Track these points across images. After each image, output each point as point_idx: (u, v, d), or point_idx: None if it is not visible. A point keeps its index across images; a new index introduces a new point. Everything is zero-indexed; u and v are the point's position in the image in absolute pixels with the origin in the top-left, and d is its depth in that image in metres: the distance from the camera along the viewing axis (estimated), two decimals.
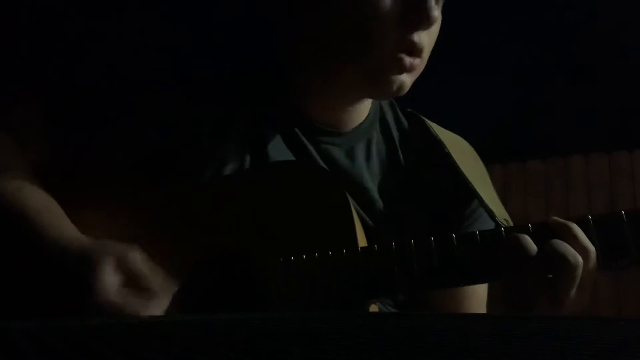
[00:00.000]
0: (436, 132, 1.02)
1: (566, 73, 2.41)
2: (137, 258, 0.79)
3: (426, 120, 1.04)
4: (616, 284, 2.54)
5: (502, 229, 0.82)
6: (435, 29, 0.91)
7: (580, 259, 0.77)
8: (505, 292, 0.81)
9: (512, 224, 0.93)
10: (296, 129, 0.97)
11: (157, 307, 0.78)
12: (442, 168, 0.99)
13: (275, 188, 0.88)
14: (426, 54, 0.91)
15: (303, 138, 0.97)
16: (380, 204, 0.97)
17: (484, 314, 0.99)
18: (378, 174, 1.00)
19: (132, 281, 0.78)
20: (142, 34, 1.95)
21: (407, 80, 0.90)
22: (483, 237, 0.81)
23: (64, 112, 0.95)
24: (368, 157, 1.00)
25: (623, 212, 0.80)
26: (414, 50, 0.88)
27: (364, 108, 1.01)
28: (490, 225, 0.95)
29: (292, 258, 0.82)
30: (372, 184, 0.98)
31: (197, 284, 0.83)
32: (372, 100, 1.03)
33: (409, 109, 1.07)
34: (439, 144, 1.00)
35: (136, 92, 0.97)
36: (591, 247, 0.78)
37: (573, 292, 0.77)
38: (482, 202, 0.94)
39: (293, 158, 0.95)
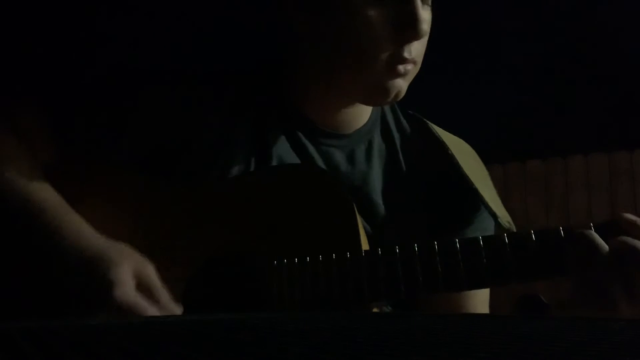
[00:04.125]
0: (438, 134, 1.02)
1: (566, 73, 2.41)
2: (153, 270, 0.81)
3: (428, 122, 1.04)
4: None
5: (522, 231, 0.80)
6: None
7: None
8: (580, 295, 0.79)
9: (513, 226, 0.92)
10: (297, 130, 0.97)
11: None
12: (445, 170, 0.99)
13: (279, 190, 0.88)
14: (419, 58, 0.92)
15: (304, 139, 0.97)
16: (381, 206, 0.97)
17: (485, 314, 0.99)
18: (379, 176, 0.99)
19: (144, 290, 0.79)
20: (144, 32, 1.95)
21: (403, 85, 0.92)
22: (503, 240, 0.80)
23: (69, 112, 0.95)
24: (369, 160, 1.00)
25: None
26: (407, 61, 0.90)
27: (364, 111, 1.01)
28: (492, 227, 0.95)
29: (296, 260, 0.82)
30: (372, 187, 0.98)
31: (201, 283, 0.83)
32: None
33: (410, 111, 1.07)
34: (441, 146, 0.99)
35: (141, 89, 0.96)
36: None
37: None
38: (485, 204, 0.93)
39: (296, 159, 0.95)
